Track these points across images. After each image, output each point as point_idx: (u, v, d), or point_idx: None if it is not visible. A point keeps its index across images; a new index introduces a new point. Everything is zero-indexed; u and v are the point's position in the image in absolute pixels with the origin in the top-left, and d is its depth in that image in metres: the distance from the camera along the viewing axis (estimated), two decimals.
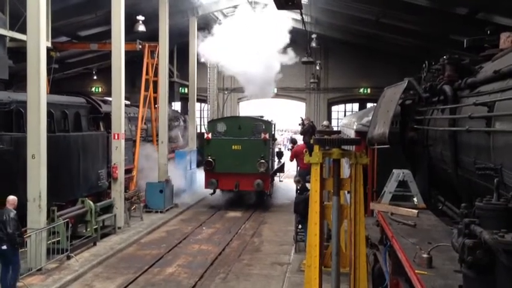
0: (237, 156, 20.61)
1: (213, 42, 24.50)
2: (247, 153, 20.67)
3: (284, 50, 24.55)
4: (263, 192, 21.87)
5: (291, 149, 24.71)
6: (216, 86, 32.45)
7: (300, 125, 23.95)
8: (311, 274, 6.51)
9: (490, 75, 5.38)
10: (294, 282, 11.85)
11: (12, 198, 10.68)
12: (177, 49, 31.11)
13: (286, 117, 35.29)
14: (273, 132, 22.60)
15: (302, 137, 23.51)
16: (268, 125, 21.86)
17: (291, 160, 22.30)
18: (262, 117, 23.16)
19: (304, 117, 25.39)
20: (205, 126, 23.25)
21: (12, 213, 10.33)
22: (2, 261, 10.33)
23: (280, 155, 25.96)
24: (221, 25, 25.27)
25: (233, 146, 20.77)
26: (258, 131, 21.24)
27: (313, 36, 29.33)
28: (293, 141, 24.28)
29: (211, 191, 21.61)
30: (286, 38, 24.09)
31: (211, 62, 28.53)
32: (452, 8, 17.52)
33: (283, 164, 26.35)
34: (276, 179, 25.57)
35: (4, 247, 10.10)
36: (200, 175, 24.65)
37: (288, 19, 26.11)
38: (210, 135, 21.23)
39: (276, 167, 24.11)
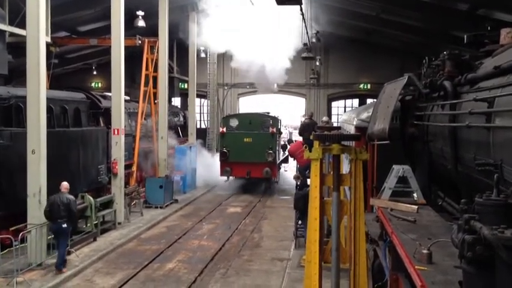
0: (248, 148, 23.40)
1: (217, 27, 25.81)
2: (257, 144, 23.42)
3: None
4: (271, 179, 24.50)
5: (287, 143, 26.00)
6: (216, 82, 32.42)
7: None
8: (311, 269, 6.51)
9: (490, 71, 5.37)
10: (294, 278, 11.87)
11: (66, 184, 12.40)
12: (176, 44, 31.05)
13: (287, 113, 35.28)
14: (279, 127, 25.43)
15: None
16: (275, 120, 24.82)
17: (291, 157, 23.54)
18: (268, 113, 25.99)
19: (304, 114, 25.79)
20: (220, 121, 25.89)
21: (72, 196, 12.35)
22: (57, 237, 11.96)
23: (284, 147, 27.82)
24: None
25: (245, 139, 23.61)
26: (266, 125, 24.12)
27: (313, 31, 29.27)
28: (289, 142, 25.23)
29: (206, 188, 23.46)
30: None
31: (214, 49, 28.83)
32: (453, 3, 17.49)
33: (288, 155, 27.53)
34: (281, 168, 27.68)
35: (65, 225, 11.87)
36: (200, 169, 25.37)
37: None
38: (224, 130, 23.98)
39: (281, 157, 26.16)
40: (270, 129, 23.88)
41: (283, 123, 33.58)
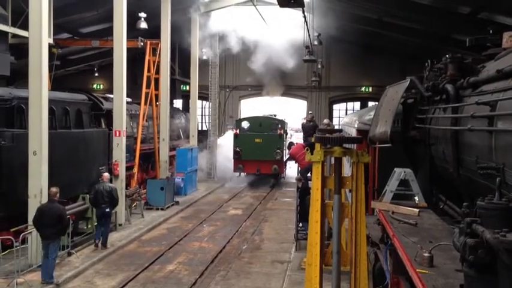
0: (258, 147, 26.36)
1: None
2: (267, 144, 26.44)
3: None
4: (278, 175, 27.91)
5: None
6: (218, 84, 32.45)
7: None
8: (312, 272, 6.49)
9: (492, 74, 5.37)
10: (294, 280, 11.85)
11: (107, 175, 14.80)
12: (178, 46, 31.08)
13: (288, 115, 35.28)
14: (285, 128, 28.69)
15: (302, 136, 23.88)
16: (283, 123, 27.99)
17: (292, 160, 24.03)
18: (275, 115, 29.03)
19: (305, 116, 25.96)
20: (234, 124, 28.80)
21: (113, 185, 14.80)
22: (100, 220, 14.06)
23: (289, 147, 28.46)
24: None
25: (256, 139, 26.61)
26: (274, 127, 27.18)
27: (315, 34, 29.30)
28: (290, 145, 25.70)
29: (207, 190, 24.49)
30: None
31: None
32: (455, 7, 17.46)
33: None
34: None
35: (107, 210, 13.98)
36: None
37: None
38: (238, 131, 26.99)
39: (287, 156, 27.52)
40: (278, 131, 26.91)
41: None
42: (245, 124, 27.43)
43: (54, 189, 11.58)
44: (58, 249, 11.66)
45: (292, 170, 28.82)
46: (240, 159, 26.54)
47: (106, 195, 13.91)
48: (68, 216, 13.08)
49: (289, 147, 25.62)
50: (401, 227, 6.42)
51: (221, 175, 28.97)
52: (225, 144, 29.61)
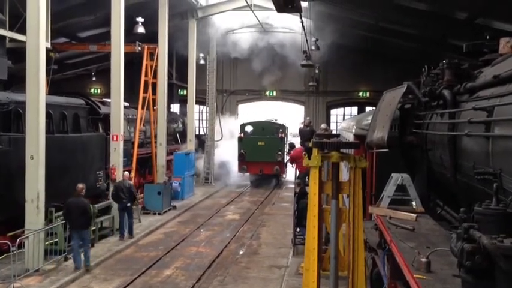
0: (261, 150, 28.30)
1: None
2: (269, 147, 28.39)
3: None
4: (279, 176, 29.91)
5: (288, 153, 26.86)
6: (215, 88, 32.49)
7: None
8: (309, 277, 6.49)
9: (489, 80, 5.39)
10: (291, 286, 11.82)
11: (126, 173, 16.45)
12: (176, 51, 31.09)
13: (286, 120, 35.31)
14: (286, 132, 30.97)
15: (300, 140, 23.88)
16: (283, 127, 30.33)
17: (291, 163, 23.85)
18: (276, 120, 31.60)
19: (302, 121, 25.95)
20: (239, 128, 30.35)
21: (131, 182, 16.58)
22: (122, 214, 15.59)
23: (291, 147, 29.65)
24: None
25: (259, 142, 28.61)
26: (276, 131, 29.44)
27: (313, 39, 29.35)
28: (291, 146, 25.76)
29: (205, 195, 25.08)
30: None
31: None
32: (452, 12, 17.51)
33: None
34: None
35: (128, 204, 15.59)
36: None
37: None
38: (242, 135, 29.09)
39: (287, 158, 29.37)
40: (279, 135, 29.03)
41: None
42: (248, 128, 29.35)
43: (80, 185, 12.97)
44: (89, 236, 13.24)
45: (290, 172, 29.07)
46: (244, 160, 28.44)
47: (126, 191, 15.53)
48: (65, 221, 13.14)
49: (290, 148, 25.82)
50: (398, 232, 6.43)
51: (218, 177, 29.63)
52: (225, 145, 30.30)
